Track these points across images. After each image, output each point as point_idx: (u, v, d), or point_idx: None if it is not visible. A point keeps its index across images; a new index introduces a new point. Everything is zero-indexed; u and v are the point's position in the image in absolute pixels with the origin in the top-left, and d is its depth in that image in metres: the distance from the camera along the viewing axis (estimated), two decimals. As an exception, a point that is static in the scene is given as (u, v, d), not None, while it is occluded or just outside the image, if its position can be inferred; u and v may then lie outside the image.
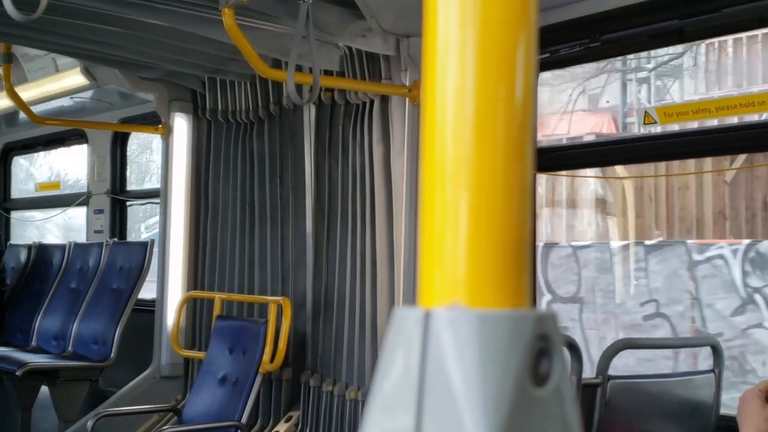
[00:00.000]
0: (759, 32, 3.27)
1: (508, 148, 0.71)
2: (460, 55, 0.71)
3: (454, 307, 0.69)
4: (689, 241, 9.88)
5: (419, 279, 0.73)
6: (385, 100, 4.56)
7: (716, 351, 3.26)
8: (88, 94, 6.61)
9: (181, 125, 5.94)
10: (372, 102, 4.62)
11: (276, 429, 5.17)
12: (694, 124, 3.66)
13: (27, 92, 6.19)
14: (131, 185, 7.68)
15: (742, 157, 7.90)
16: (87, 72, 6.05)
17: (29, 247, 7.40)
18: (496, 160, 0.71)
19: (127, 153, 7.48)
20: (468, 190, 0.70)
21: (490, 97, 0.71)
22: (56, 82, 6.44)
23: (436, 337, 0.69)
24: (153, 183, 8.41)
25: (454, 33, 0.72)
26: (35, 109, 6.19)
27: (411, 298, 4.21)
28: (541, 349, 0.69)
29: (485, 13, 0.71)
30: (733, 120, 3.44)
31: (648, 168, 9.17)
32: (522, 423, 0.68)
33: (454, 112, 0.71)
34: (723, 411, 3.25)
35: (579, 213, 11.44)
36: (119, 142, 7.33)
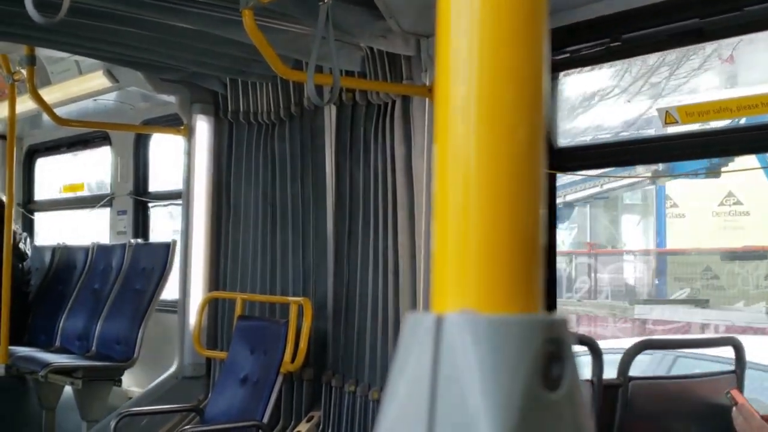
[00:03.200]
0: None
1: (519, 153, 0.71)
2: (471, 58, 0.72)
3: (465, 312, 0.69)
4: None
5: (432, 284, 0.73)
6: (406, 100, 4.56)
7: (738, 351, 3.24)
8: (111, 96, 6.66)
9: (203, 127, 5.97)
10: (393, 102, 4.61)
11: (297, 429, 5.18)
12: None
13: (50, 94, 6.25)
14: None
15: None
16: (109, 74, 6.10)
17: (53, 249, 7.47)
18: (508, 165, 0.71)
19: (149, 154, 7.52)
20: (479, 196, 0.70)
21: (502, 101, 0.71)
22: (79, 85, 6.49)
23: (448, 342, 0.70)
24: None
25: (467, 35, 0.72)
26: (59, 111, 6.24)
27: (432, 299, 4.20)
28: (553, 354, 0.69)
29: (496, 15, 0.71)
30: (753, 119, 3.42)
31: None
32: (534, 427, 0.68)
33: (467, 117, 0.72)
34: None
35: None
36: (142, 143, 7.37)
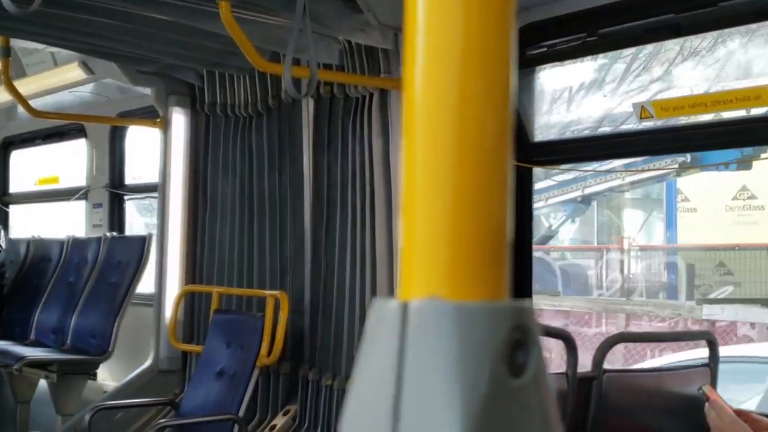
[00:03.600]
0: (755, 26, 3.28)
1: (486, 143, 0.71)
2: (439, 49, 0.72)
3: (432, 299, 0.70)
4: None
5: (399, 271, 0.73)
6: (384, 94, 4.56)
7: (711, 345, 3.27)
8: (88, 88, 6.61)
9: (179, 119, 5.94)
10: (371, 96, 4.61)
11: (273, 423, 5.18)
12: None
13: (25, 86, 6.19)
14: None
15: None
16: (85, 66, 6.05)
17: (28, 242, 7.41)
18: (475, 155, 0.71)
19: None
20: (446, 184, 0.70)
21: (469, 93, 0.71)
22: (55, 76, 6.44)
23: (414, 329, 0.70)
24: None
25: (434, 26, 0.72)
26: (34, 103, 6.18)
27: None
28: (518, 341, 0.69)
29: (464, 7, 0.71)
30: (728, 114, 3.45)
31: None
32: (498, 413, 0.68)
33: (434, 108, 0.72)
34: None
35: None
36: (118, 136, 7.33)
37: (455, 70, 0.71)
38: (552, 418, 0.71)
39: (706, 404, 2.43)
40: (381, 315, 0.72)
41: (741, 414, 2.35)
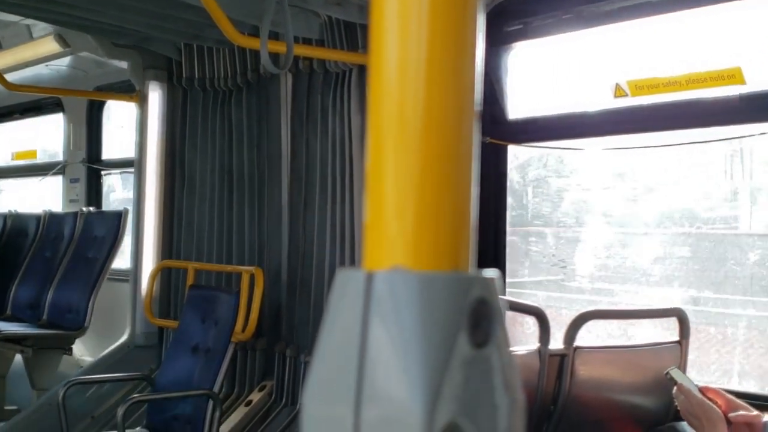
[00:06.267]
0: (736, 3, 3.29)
1: (451, 116, 0.72)
2: (404, 22, 0.72)
3: (395, 269, 0.70)
4: None
5: (364, 242, 0.73)
6: (363, 69, 4.54)
7: (682, 321, 3.30)
8: (64, 62, 6.56)
9: (156, 93, 5.90)
10: (350, 71, 4.60)
11: (249, 398, 5.19)
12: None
13: (0, 60, 6.13)
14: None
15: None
16: (61, 39, 5.99)
17: (5, 217, 7.37)
18: (439, 126, 0.71)
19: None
20: (410, 154, 0.71)
21: (435, 65, 0.72)
22: (30, 50, 6.38)
23: (377, 299, 0.70)
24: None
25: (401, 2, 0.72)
26: (10, 77, 6.12)
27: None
28: (481, 312, 0.70)
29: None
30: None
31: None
32: (460, 383, 0.69)
33: (399, 78, 0.72)
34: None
35: None
36: (95, 110, 7.27)
37: (420, 41, 0.71)
38: (514, 388, 0.72)
39: (674, 389, 2.46)
40: (345, 285, 0.72)
41: (708, 391, 2.38)
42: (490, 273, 0.73)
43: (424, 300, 0.69)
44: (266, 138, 5.27)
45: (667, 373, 2.55)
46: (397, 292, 0.69)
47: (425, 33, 0.71)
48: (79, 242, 6.41)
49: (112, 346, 5.89)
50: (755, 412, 2.31)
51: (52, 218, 6.90)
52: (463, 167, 0.72)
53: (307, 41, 4.68)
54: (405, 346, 0.68)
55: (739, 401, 2.36)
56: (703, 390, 2.40)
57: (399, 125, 0.72)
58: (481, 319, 0.70)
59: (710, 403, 2.34)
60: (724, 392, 2.39)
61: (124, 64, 5.94)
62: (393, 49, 0.72)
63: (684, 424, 2.68)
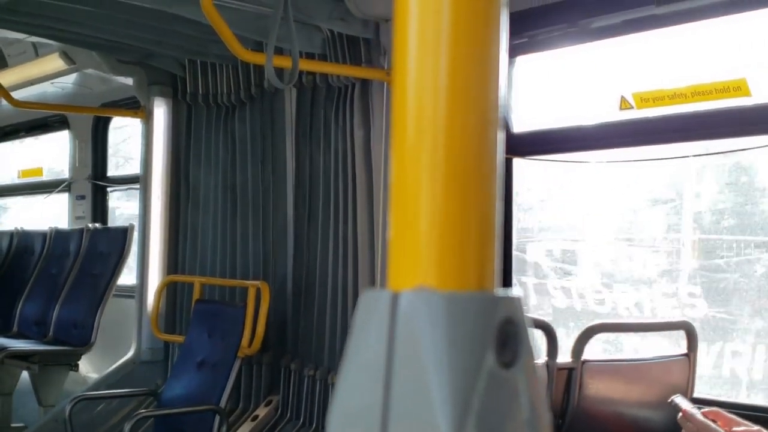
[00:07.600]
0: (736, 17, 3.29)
1: (476, 132, 0.72)
2: (428, 39, 0.72)
3: (421, 289, 0.70)
4: None
5: (388, 261, 0.73)
6: (366, 84, 4.55)
7: (690, 335, 3.29)
8: (70, 79, 6.57)
9: (161, 109, 5.91)
10: (353, 86, 4.61)
11: (256, 413, 5.18)
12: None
13: (7, 78, 6.16)
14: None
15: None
16: (66, 56, 6.01)
17: (11, 234, 7.38)
18: (464, 143, 0.71)
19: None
20: (435, 173, 0.71)
21: (459, 83, 0.72)
22: (36, 67, 6.40)
23: (403, 319, 0.70)
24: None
25: (424, 16, 0.72)
26: (16, 94, 6.14)
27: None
28: (508, 331, 0.70)
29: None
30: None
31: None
32: (488, 404, 0.68)
33: (423, 97, 0.72)
34: (696, 394, 3.28)
35: None
36: (101, 127, 7.28)
37: (444, 58, 0.71)
38: (541, 408, 0.72)
39: (679, 416, 2.48)
40: (370, 305, 0.72)
41: (712, 414, 2.40)
42: (516, 292, 0.73)
43: (451, 320, 0.69)
44: (271, 152, 5.28)
45: (672, 400, 2.57)
46: (423, 312, 0.69)
47: (448, 49, 0.72)
48: (85, 258, 6.41)
49: (119, 362, 5.88)
50: (756, 428, 2.32)
51: (58, 235, 6.90)
52: (488, 184, 0.72)
53: (309, 56, 4.69)
54: (431, 367, 0.68)
55: (739, 419, 2.38)
56: (704, 414, 2.43)
57: (423, 143, 0.72)
58: (508, 339, 0.70)
59: (715, 427, 2.36)
60: (724, 412, 2.41)
61: (129, 81, 5.96)
62: (417, 66, 0.72)
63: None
